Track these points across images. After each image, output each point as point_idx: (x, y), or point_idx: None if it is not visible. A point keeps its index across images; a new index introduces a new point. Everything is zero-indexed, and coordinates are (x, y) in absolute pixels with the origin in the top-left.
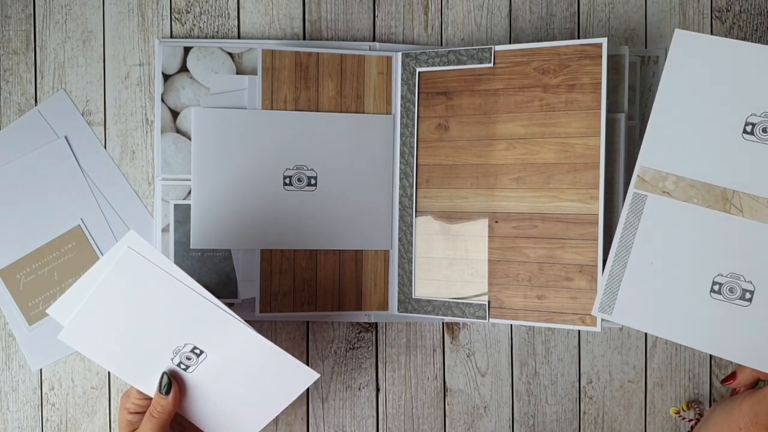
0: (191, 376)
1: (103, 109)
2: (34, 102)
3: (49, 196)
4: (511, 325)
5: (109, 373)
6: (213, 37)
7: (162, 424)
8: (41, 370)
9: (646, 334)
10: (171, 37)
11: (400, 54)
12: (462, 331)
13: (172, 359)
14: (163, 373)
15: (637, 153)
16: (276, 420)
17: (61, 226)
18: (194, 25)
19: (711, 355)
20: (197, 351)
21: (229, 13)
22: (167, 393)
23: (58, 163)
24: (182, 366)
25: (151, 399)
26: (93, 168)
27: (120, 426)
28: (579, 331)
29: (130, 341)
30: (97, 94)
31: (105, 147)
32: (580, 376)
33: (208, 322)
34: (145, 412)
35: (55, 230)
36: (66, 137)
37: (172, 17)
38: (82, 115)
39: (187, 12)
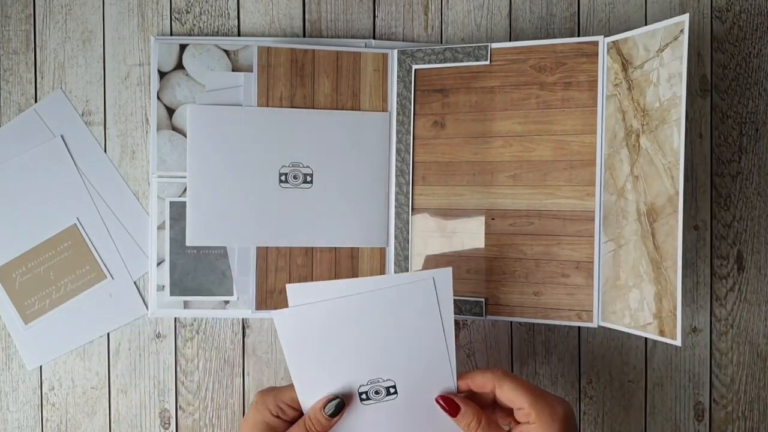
0: (363, 408)
1: (103, 109)
2: (34, 102)
3: (45, 195)
4: (511, 324)
5: (108, 373)
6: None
7: None
8: (41, 370)
9: None
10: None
11: (396, 51)
12: (462, 331)
13: (361, 386)
14: (339, 398)
15: None
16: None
17: (56, 225)
18: (194, 25)
19: (711, 356)
20: (392, 390)
21: (228, 13)
22: (333, 416)
23: (54, 162)
24: (363, 396)
25: (297, 410)
26: (89, 167)
27: (252, 423)
28: (579, 330)
29: (333, 355)
30: (96, 94)
31: (105, 147)
32: (580, 376)
33: (430, 367)
34: (282, 418)
35: (51, 229)
36: (62, 136)
37: (172, 17)
38: (82, 115)
39: (187, 12)
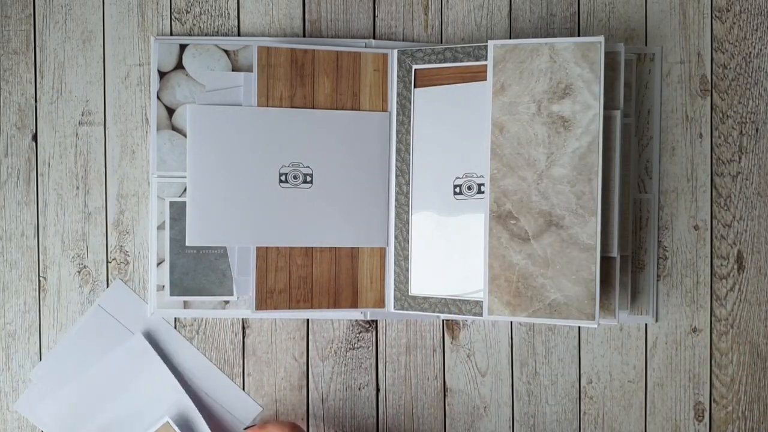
0: (456, 202)
1: (102, 109)
2: (33, 102)
3: (135, 394)
4: (511, 324)
5: None
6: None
7: None
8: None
9: (646, 334)
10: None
11: (396, 51)
12: (462, 331)
13: (457, 178)
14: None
15: (632, 150)
16: (275, 420)
17: (149, 424)
18: (194, 24)
19: (711, 356)
20: (482, 189)
21: (229, 13)
22: None
23: (140, 360)
24: (457, 191)
25: None
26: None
27: None
28: (579, 331)
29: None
30: (97, 94)
31: (105, 147)
32: (580, 376)
33: None
34: None
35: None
36: (143, 333)
37: (172, 17)
38: (82, 114)
39: (187, 12)
